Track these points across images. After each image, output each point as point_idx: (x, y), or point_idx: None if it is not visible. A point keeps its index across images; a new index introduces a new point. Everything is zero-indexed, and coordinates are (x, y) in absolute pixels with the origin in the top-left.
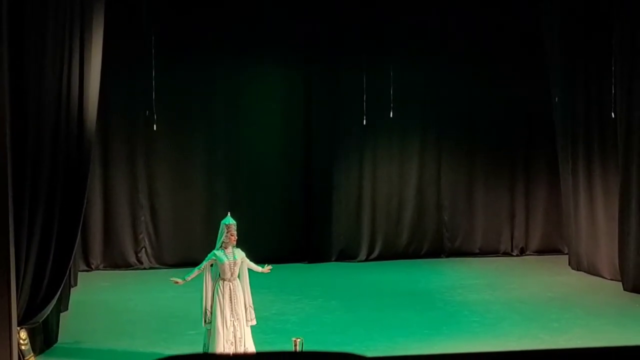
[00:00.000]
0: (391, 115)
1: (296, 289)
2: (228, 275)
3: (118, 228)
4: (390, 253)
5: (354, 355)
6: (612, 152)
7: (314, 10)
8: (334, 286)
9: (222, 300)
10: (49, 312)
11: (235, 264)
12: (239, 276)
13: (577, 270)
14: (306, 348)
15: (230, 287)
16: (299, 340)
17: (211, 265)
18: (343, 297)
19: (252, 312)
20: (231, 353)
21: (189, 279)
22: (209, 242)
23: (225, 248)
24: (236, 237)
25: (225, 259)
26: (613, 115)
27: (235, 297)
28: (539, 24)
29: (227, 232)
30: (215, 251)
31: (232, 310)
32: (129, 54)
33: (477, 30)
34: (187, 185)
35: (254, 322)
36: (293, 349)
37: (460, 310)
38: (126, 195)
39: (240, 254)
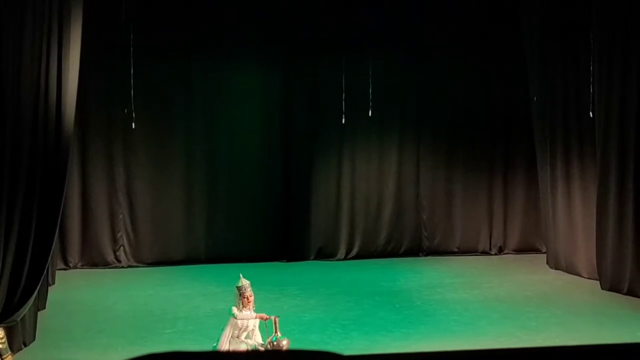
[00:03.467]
0: (370, 114)
1: (274, 287)
2: (235, 333)
3: (96, 226)
4: (369, 252)
5: (332, 354)
6: (590, 151)
7: (293, 9)
8: (312, 285)
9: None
10: (26, 310)
11: (245, 328)
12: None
13: (555, 269)
14: None
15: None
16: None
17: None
18: (321, 296)
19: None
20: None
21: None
22: (188, 241)
23: (244, 308)
24: (253, 298)
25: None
26: (591, 115)
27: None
28: (519, 23)
29: (240, 296)
30: (233, 306)
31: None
32: (107, 52)
33: (456, 30)
34: (165, 184)
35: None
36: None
37: (439, 309)
38: (104, 194)
39: (253, 321)
